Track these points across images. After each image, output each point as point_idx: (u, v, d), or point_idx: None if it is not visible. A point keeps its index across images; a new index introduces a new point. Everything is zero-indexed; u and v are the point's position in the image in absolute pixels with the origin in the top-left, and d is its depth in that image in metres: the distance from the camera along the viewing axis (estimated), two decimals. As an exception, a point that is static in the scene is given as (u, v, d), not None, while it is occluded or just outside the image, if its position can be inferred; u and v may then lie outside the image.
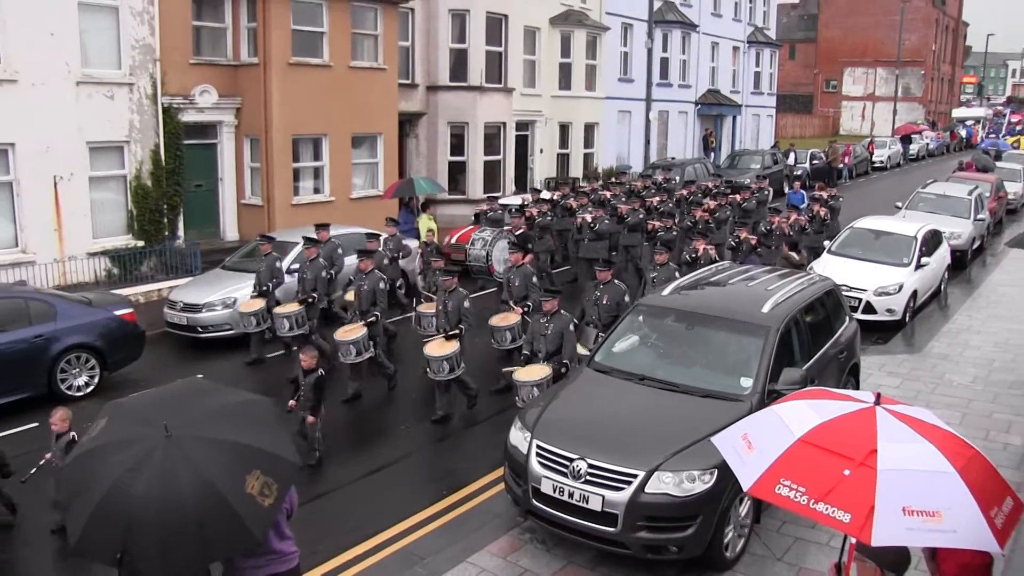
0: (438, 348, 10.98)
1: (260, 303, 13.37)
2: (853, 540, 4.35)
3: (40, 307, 11.82)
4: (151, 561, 4.74)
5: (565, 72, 31.17)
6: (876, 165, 45.37)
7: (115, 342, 12.40)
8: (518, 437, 8.03)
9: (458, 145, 26.10)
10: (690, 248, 14.48)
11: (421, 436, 10.88)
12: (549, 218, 18.64)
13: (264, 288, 13.62)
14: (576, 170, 32.00)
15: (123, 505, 4.59)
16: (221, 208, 21.08)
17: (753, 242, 15.61)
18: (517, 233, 16.60)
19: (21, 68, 16.53)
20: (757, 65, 45.04)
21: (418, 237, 17.81)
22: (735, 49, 42.79)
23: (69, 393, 11.84)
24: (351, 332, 11.69)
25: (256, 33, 20.29)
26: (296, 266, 14.39)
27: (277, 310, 12.98)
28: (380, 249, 14.91)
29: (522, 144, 29.53)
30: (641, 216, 18.54)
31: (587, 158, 32.95)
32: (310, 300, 13.08)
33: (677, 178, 26.21)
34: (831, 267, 15.10)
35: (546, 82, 30.38)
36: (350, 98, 21.64)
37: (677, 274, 11.82)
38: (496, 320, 12.28)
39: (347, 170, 22.31)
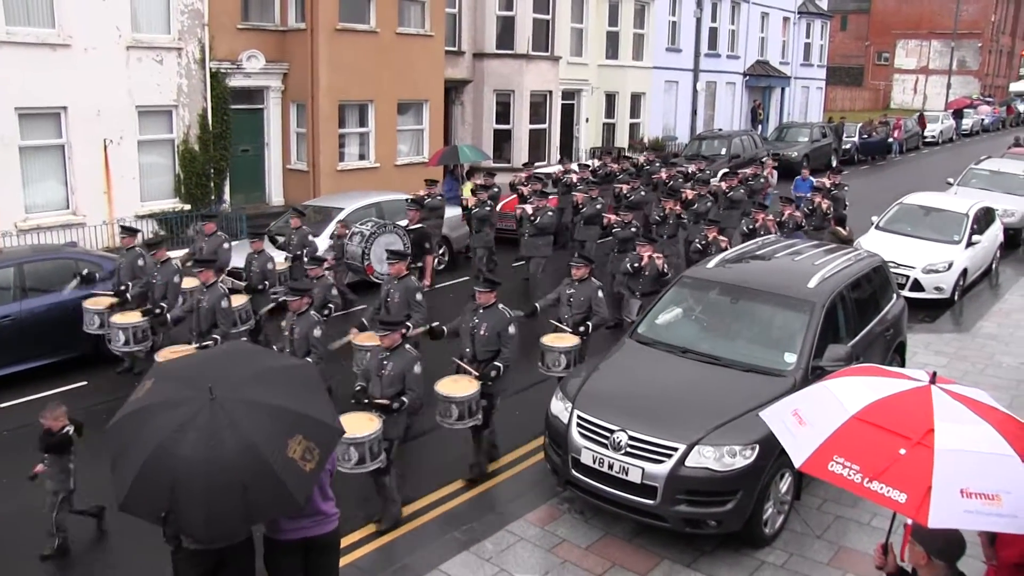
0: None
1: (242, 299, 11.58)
2: (909, 521, 4.28)
3: (90, 268, 12.02)
4: (195, 521, 4.83)
5: (612, 41, 30.85)
6: (927, 140, 44.39)
7: (162, 304, 12.54)
8: (559, 407, 8.04)
9: (504, 113, 25.97)
10: (633, 255, 12.10)
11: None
12: (487, 208, 15.98)
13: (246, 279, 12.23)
14: (622, 140, 31.76)
15: (168, 466, 4.67)
16: (267, 173, 21.25)
17: (723, 245, 12.74)
18: (410, 228, 13.54)
19: (74, 33, 16.75)
20: (807, 36, 44.16)
21: (462, 205, 17.75)
22: (785, 20, 41.97)
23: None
24: (178, 353, 8.78)
25: (303, -2, 20.30)
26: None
27: (115, 319, 10.75)
28: (263, 250, 12.47)
29: (568, 113, 29.31)
30: (599, 207, 16.03)
31: (633, 128, 32.65)
32: (157, 311, 10.86)
33: (691, 167, 21.36)
34: (879, 243, 14.83)
35: (593, 51, 30.08)
36: (396, 64, 21.60)
37: (600, 293, 9.95)
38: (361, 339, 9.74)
39: (392, 136, 22.33)
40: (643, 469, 7.20)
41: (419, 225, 13.75)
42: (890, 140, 38.41)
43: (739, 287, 9.15)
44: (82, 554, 7.67)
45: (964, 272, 15.26)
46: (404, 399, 7.74)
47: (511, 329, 8.69)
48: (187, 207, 18.90)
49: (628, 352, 8.77)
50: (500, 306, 8.85)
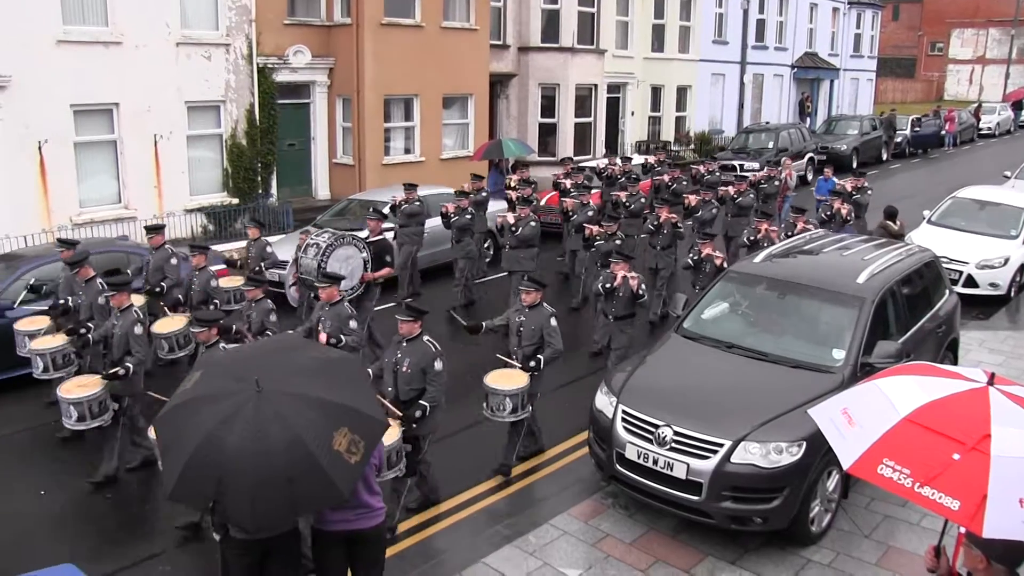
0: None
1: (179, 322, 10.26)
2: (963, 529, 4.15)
3: (140, 261, 12.21)
4: (242, 511, 4.89)
5: (658, 33, 30.62)
6: (983, 132, 43.43)
7: (210, 297, 12.70)
8: (604, 402, 8.01)
9: (549, 107, 25.89)
10: (606, 274, 10.47)
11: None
12: (468, 216, 14.36)
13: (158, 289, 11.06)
14: (668, 134, 31.53)
15: (216, 456, 4.73)
16: (313, 167, 21.46)
17: (718, 262, 11.60)
18: (371, 240, 12.25)
19: (126, 31, 17.06)
20: (858, 27, 43.41)
21: (507, 199, 17.69)
22: (835, 10, 41.28)
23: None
24: (84, 386, 8.49)
25: (349, -7, 20.44)
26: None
27: (34, 345, 9.73)
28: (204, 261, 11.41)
29: (613, 107, 29.17)
30: (591, 213, 14.74)
31: (679, 121, 32.43)
32: (82, 331, 9.73)
33: (701, 168, 19.64)
34: (931, 238, 14.56)
35: (639, 44, 29.87)
36: (441, 58, 21.65)
37: (553, 321, 8.70)
38: None
39: (437, 130, 22.40)
40: (688, 465, 7.14)
41: (381, 236, 12.41)
42: (943, 132, 37.65)
43: (787, 282, 9.03)
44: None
45: (1021, 268, 14.90)
46: (424, 403, 7.56)
47: (437, 364, 7.69)
48: (235, 201, 19.17)
49: (673, 347, 8.70)
50: (426, 338, 7.83)
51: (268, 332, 9.36)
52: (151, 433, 6.78)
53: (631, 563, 7.18)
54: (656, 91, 31.23)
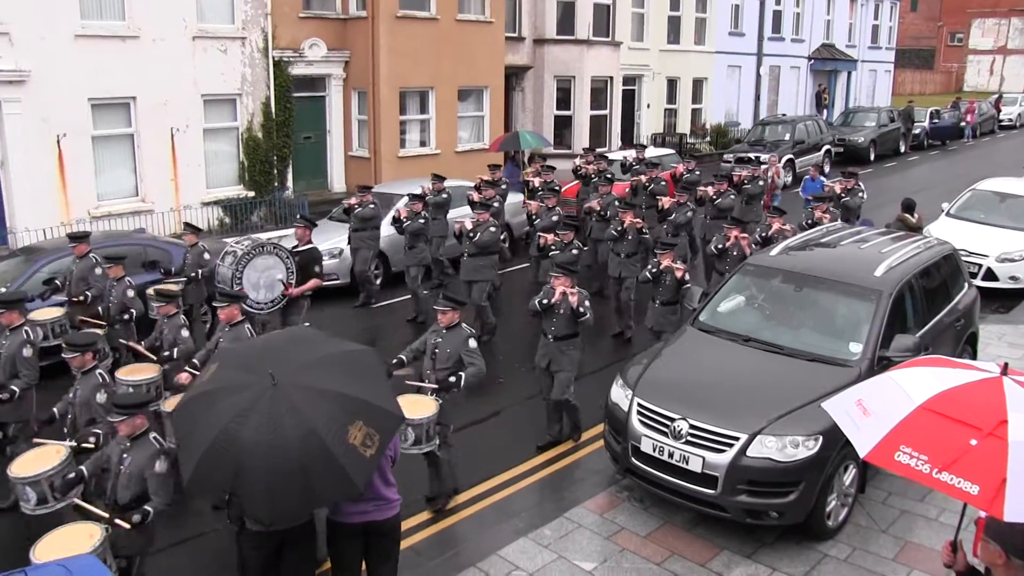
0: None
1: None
2: (983, 514, 4.15)
3: (157, 254, 12.29)
4: (257, 504, 4.92)
5: (674, 25, 30.49)
6: (1004, 124, 43.03)
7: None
8: (619, 394, 8.00)
9: (564, 99, 25.83)
10: (546, 289, 9.18)
11: (519, 390, 10.91)
12: (422, 221, 13.39)
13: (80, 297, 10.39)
14: (683, 126, 31.41)
15: (231, 450, 4.77)
16: (329, 160, 21.51)
17: (679, 274, 10.33)
18: (297, 249, 11.28)
19: (143, 25, 17.14)
20: (876, 18, 43.06)
21: (523, 191, 17.68)
22: (852, 1, 40.95)
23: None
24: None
25: (364, -14, 20.44)
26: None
27: None
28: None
29: (629, 99, 29.08)
30: (555, 219, 13.42)
31: (695, 114, 32.29)
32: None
33: (680, 167, 18.00)
34: (950, 230, 14.43)
35: (654, 36, 29.76)
36: (457, 51, 21.64)
37: (471, 343, 7.81)
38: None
39: (453, 123, 22.40)
40: (704, 458, 7.13)
41: (309, 245, 11.38)
42: (962, 124, 37.32)
43: (803, 275, 8.97)
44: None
45: (1041, 260, 14.76)
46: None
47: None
48: (251, 194, 19.25)
49: (689, 340, 8.68)
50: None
51: (178, 347, 8.62)
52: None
53: (646, 556, 7.18)
54: (672, 83, 31.11)
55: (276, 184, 19.87)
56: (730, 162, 25.50)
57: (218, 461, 4.79)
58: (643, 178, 16.50)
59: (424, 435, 7.18)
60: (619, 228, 12.59)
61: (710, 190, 15.00)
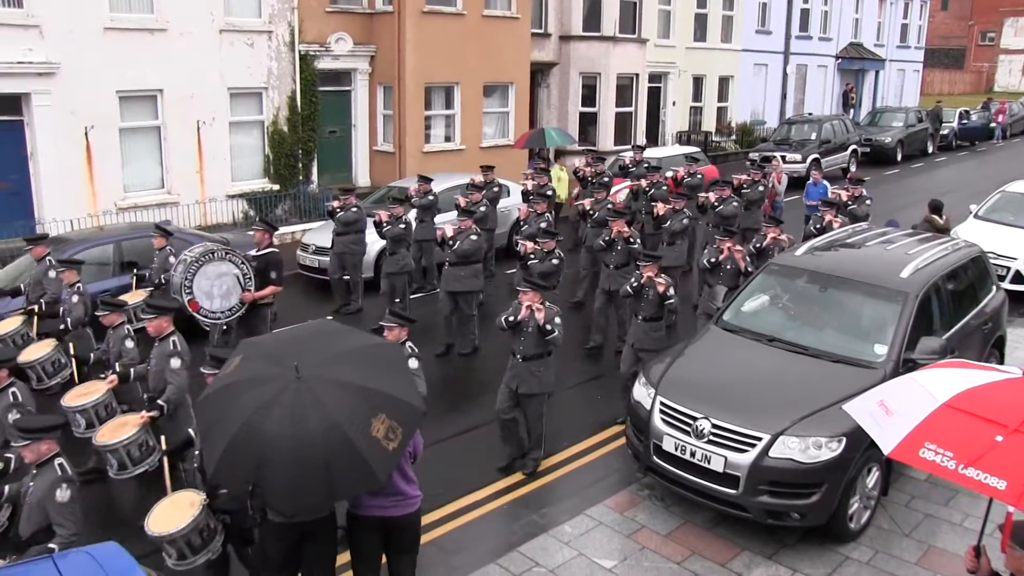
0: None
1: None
2: (1011, 508, 4.14)
3: (182, 246, 12.34)
4: (280, 496, 4.95)
5: (701, 23, 30.34)
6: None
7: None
8: (642, 392, 7.98)
9: (589, 96, 25.76)
10: (515, 305, 8.52)
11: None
12: (402, 227, 12.60)
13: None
14: (709, 124, 31.26)
15: (255, 442, 4.79)
16: (354, 154, 21.56)
17: (661, 288, 9.28)
18: (257, 254, 10.67)
19: (171, 18, 17.26)
20: (905, 17, 42.62)
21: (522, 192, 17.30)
22: (881, 0, 40.60)
23: (207, 329, 12.38)
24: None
25: (391, -19, 20.48)
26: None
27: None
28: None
29: (654, 96, 28.95)
30: (544, 225, 12.50)
31: (720, 112, 32.12)
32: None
33: (680, 170, 16.98)
34: (978, 232, 14.24)
35: (681, 33, 29.62)
36: (482, 47, 21.62)
37: (413, 361, 7.15)
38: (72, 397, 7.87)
39: (478, 119, 22.39)
40: (726, 458, 7.10)
41: (269, 250, 10.62)
42: (992, 125, 36.90)
43: (828, 275, 8.92)
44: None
45: (1071, 264, 14.55)
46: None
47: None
48: (276, 187, 19.34)
49: (713, 339, 8.64)
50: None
51: (122, 360, 8.18)
52: None
53: (667, 555, 7.16)
54: (698, 81, 30.95)
55: (301, 178, 19.96)
56: (755, 160, 25.33)
57: (241, 453, 4.82)
58: (644, 182, 15.73)
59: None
60: (607, 238, 11.76)
61: (712, 196, 14.19)
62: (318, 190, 19.85)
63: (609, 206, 13.34)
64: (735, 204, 14.22)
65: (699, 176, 16.56)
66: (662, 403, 7.66)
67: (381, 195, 16.76)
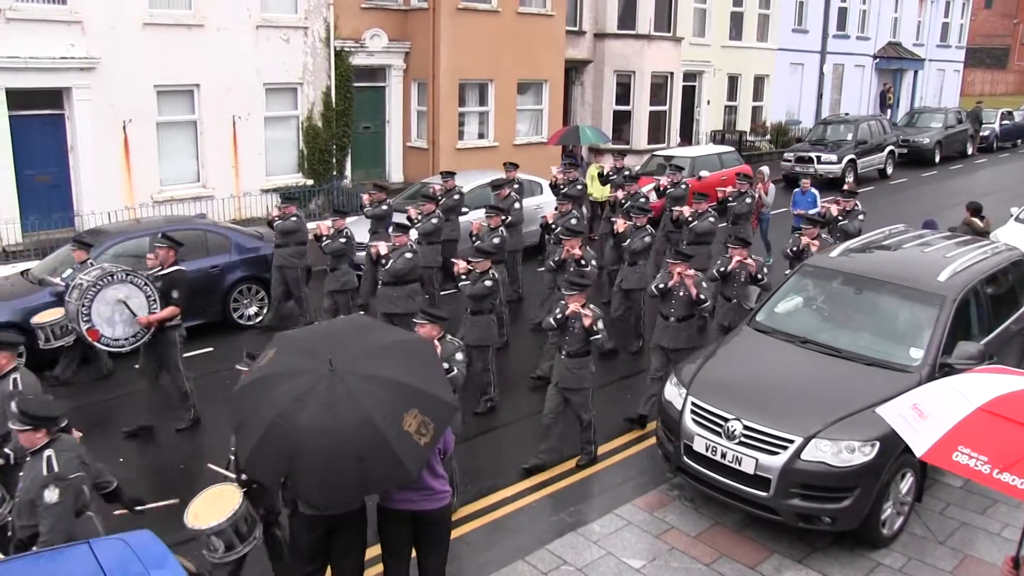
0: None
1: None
2: None
3: (217, 240, 12.50)
4: (312, 488, 5.00)
5: (736, 21, 30.12)
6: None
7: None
8: (673, 393, 7.94)
9: (624, 94, 25.66)
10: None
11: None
12: (343, 240, 11.68)
13: None
14: (744, 124, 31.03)
15: (288, 434, 4.83)
16: (387, 150, 21.65)
17: (587, 322, 8.25)
18: (160, 273, 9.58)
19: (208, 14, 17.43)
20: (946, 15, 41.97)
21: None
22: (922, -1, 40.09)
23: (240, 322, 12.54)
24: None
25: (427, -22, 20.52)
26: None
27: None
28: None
29: (689, 95, 28.79)
30: (496, 240, 11.48)
31: (755, 111, 31.89)
32: None
33: (663, 180, 15.27)
34: (1019, 236, 14.03)
35: (716, 32, 29.42)
36: (517, 44, 21.62)
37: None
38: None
39: (512, 116, 22.40)
40: (757, 460, 7.04)
41: (173, 268, 9.64)
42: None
43: (864, 277, 8.81)
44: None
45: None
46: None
47: (47, 496, 5.24)
48: (310, 182, 19.47)
49: (745, 340, 8.57)
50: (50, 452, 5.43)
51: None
52: None
53: (695, 556, 7.13)
54: (733, 80, 30.73)
55: (335, 173, 20.08)
56: (790, 161, 25.13)
57: (274, 445, 4.86)
58: (620, 194, 14.08)
59: (231, 540, 5.64)
60: (557, 259, 10.92)
61: (686, 211, 12.99)
62: (351, 185, 19.97)
63: (575, 217, 12.55)
64: (711, 220, 12.90)
65: (684, 186, 15.00)
66: (693, 403, 7.61)
67: (414, 191, 16.80)
